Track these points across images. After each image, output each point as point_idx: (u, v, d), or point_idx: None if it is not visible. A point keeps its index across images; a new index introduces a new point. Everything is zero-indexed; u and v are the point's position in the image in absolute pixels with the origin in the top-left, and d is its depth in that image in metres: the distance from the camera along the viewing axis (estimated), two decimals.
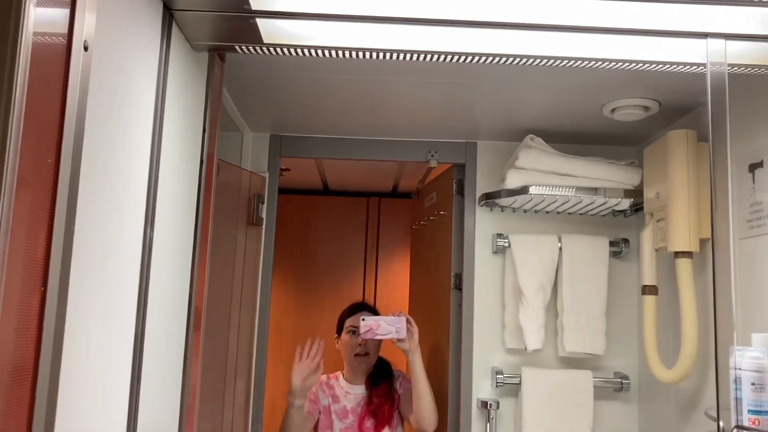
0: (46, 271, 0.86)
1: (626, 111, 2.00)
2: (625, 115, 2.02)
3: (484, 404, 2.28)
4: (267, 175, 2.42)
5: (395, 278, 3.96)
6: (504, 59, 1.48)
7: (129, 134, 1.16)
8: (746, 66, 1.49)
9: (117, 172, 1.11)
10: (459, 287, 2.44)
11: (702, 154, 1.85)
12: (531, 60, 1.48)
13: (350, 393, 2.50)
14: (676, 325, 1.88)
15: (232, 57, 1.69)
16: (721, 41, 1.40)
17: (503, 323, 2.35)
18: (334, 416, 2.46)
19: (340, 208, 4.03)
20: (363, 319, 2.29)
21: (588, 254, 2.30)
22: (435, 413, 2.32)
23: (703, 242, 1.84)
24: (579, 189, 2.15)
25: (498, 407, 2.28)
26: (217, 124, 1.61)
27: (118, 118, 1.10)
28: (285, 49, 1.47)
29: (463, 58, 1.48)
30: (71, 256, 0.91)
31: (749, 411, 1.31)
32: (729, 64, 1.43)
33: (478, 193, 2.41)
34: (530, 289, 2.25)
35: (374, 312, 2.58)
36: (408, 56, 1.49)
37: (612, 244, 2.34)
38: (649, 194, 2.03)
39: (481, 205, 2.39)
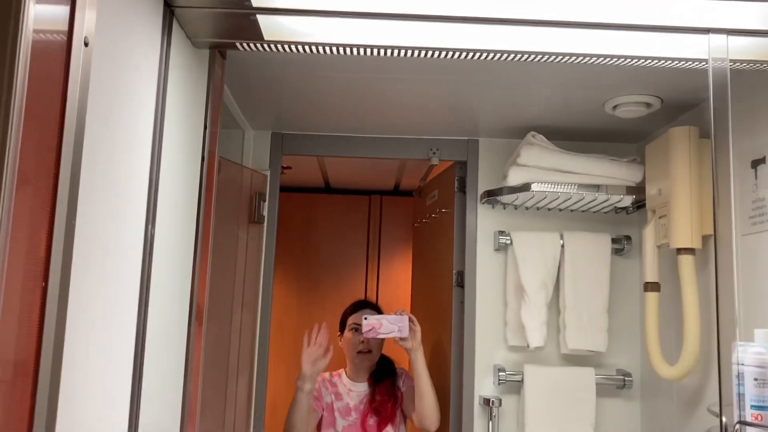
0: (46, 269, 0.86)
1: (628, 108, 2.00)
2: (627, 111, 2.02)
3: (487, 401, 2.28)
4: (268, 172, 2.42)
5: (397, 276, 3.96)
6: (505, 56, 1.48)
7: (130, 131, 1.16)
8: (748, 62, 1.49)
9: (118, 170, 1.11)
10: (461, 285, 2.44)
11: (704, 151, 1.84)
12: (532, 56, 1.48)
13: (353, 390, 2.50)
14: (678, 321, 1.88)
15: (234, 54, 1.69)
16: (723, 36, 1.40)
17: (505, 320, 2.35)
18: (337, 413, 2.46)
19: (341, 206, 4.03)
20: (365, 318, 2.29)
21: (590, 251, 2.29)
22: (437, 412, 2.33)
23: (705, 239, 1.84)
24: (581, 186, 2.14)
25: (500, 404, 2.28)
26: (218, 122, 1.61)
27: (118, 115, 1.10)
28: (286, 46, 1.47)
29: (464, 54, 1.48)
30: (72, 254, 0.91)
31: (752, 406, 1.31)
32: (731, 60, 1.42)
33: (480, 190, 2.40)
34: (532, 286, 2.25)
35: (377, 309, 2.58)
36: (409, 53, 1.49)
37: (614, 241, 2.34)
38: (651, 191, 2.03)
39: (483, 203, 2.38)
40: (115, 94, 1.08)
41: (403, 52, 1.49)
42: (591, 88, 1.91)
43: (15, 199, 0.76)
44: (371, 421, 2.43)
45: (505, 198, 2.26)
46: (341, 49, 1.48)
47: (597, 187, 2.15)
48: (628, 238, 2.37)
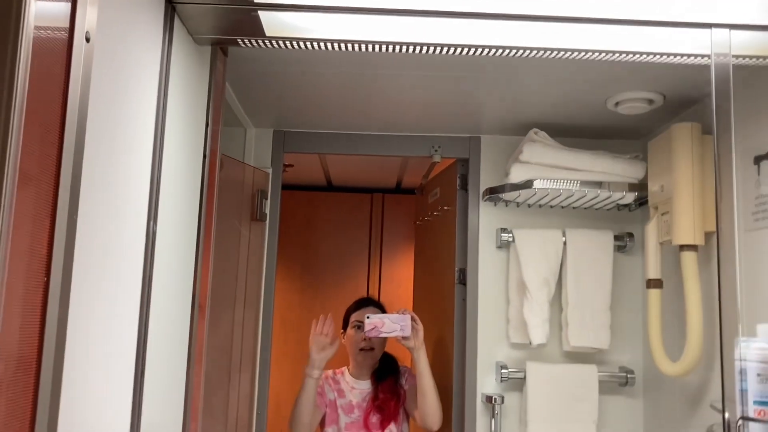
0: (48, 266, 0.86)
1: (630, 104, 1.99)
2: (629, 108, 2.02)
3: (489, 399, 2.28)
4: (270, 170, 2.42)
5: (399, 274, 3.96)
6: (507, 51, 1.48)
7: (131, 128, 1.16)
8: (751, 57, 1.49)
9: (119, 167, 1.11)
10: (463, 282, 2.44)
11: (707, 147, 1.84)
12: (534, 52, 1.48)
13: (356, 388, 2.50)
14: (681, 318, 1.88)
15: (235, 52, 1.69)
16: (725, 31, 1.39)
17: (508, 318, 2.34)
18: (340, 410, 2.46)
19: (343, 204, 4.03)
20: (368, 317, 2.30)
21: (592, 248, 2.29)
22: (439, 411, 2.33)
23: (708, 235, 1.83)
24: (583, 183, 2.14)
25: (503, 402, 2.28)
26: (220, 119, 1.61)
27: (120, 112, 1.10)
28: (288, 42, 1.47)
29: (466, 50, 1.48)
30: (73, 251, 0.91)
31: (755, 402, 1.31)
32: (734, 55, 1.42)
33: (482, 187, 2.40)
34: (534, 283, 2.25)
35: (380, 307, 2.58)
36: (410, 49, 1.49)
37: (616, 238, 2.34)
38: (653, 187, 2.03)
39: (485, 200, 2.38)
40: (116, 90, 1.08)
41: (404, 48, 1.48)
42: (593, 85, 1.91)
43: (16, 196, 0.76)
44: (374, 418, 2.43)
45: (507, 195, 2.26)
46: (343, 45, 1.48)
47: (599, 184, 2.15)
48: (630, 235, 2.37)
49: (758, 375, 1.31)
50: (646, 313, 2.03)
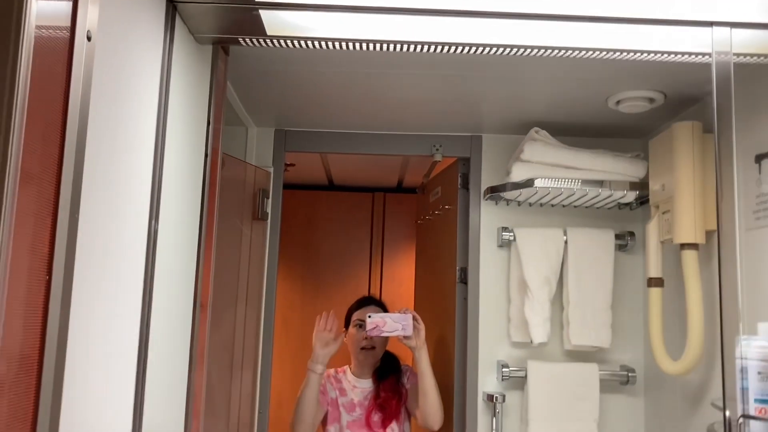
0: (50, 265, 0.86)
1: (631, 103, 1.99)
2: (630, 107, 2.02)
3: (490, 397, 2.28)
4: (272, 169, 2.42)
5: (400, 273, 3.96)
6: (509, 50, 1.48)
7: (132, 127, 1.16)
8: (752, 55, 1.48)
9: (120, 166, 1.11)
10: (464, 281, 2.44)
11: (708, 146, 1.84)
12: (535, 50, 1.48)
13: (357, 387, 2.51)
14: (682, 317, 1.88)
15: (237, 51, 1.69)
16: (726, 30, 1.39)
17: (509, 317, 2.35)
18: (341, 408, 2.46)
19: (345, 203, 4.03)
20: (369, 316, 2.30)
21: (593, 247, 2.29)
22: (441, 410, 2.33)
23: (709, 234, 1.83)
24: (584, 182, 2.14)
25: (504, 400, 2.28)
26: (221, 118, 1.61)
27: (121, 111, 1.10)
28: (289, 41, 1.47)
29: (467, 49, 1.48)
30: (75, 250, 0.92)
31: (756, 400, 1.31)
32: (735, 54, 1.42)
33: (483, 186, 2.40)
34: (535, 282, 2.25)
35: (382, 306, 2.59)
36: (411, 47, 1.49)
37: (617, 236, 2.34)
38: (654, 186, 2.03)
39: (486, 199, 2.38)
40: (117, 89, 1.08)
41: (405, 46, 1.49)
42: (594, 84, 1.90)
43: (18, 195, 0.76)
44: (375, 417, 2.44)
45: (509, 194, 2.26)
46: (344, 44, 1.48)
47: (600, 183, 2.15)
48: (631, 233, 2.37)
49: (759, 373, 1.31)
50: (647, 312, 2.03)
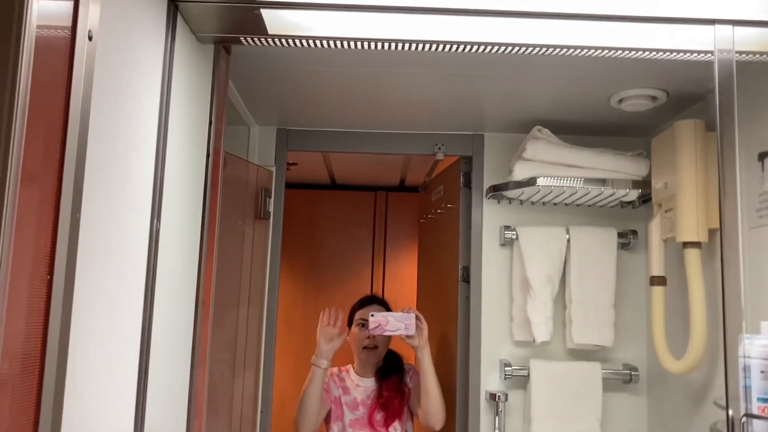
0: (51, 264, 0.86)
1: (634, 101, 1.99)
2: (632, 105, 2.01)
3: (493, 396, 2.28)
4: (274, 169, 2.42)
5: (403, 272, 3.96)
6: (511, 48, 1.47)
7: (134, 126, 1.16)
8: (755, 53, 1.48)
9: (122, 165, 1.11)
10: (467, 280, 2.44)
11: (710, 144, 1.83)
12: (537, 49, 1.48)
13: (360, 386, 2.51)
14: (684, 315, 1.88)
15: (239, 50, 1.69)
16: (728, 27, 1.39)
17: (511, 315, 2.34)
18: (344, 407, 2.47)
19: (347, 202, 4.03)
20: (372, 315, 2.30)
21: (596, 246, 2.29)
22: (443, 409, 2.33)
23: (711, 232, 1.83)
24: (587, 180, 2.14)
25: (506, 399, 2.28)
26: (223, 118, 1.61)
27: (123, 110, 1.10)
28: (290, 41, 1.47)
29: (469, 47, 1.48)
30: (77, 249, 0.92)
31: (758, 399, 1.31)
32: (737, 51, 1.41)
33: (486, 185, 2.40)
34: (538, 281, 2.25)
35: (385, 305, 2.58)
36: (414, 46, 1.49)
37: (620, 235, 2.33)
38: (657, 185, 2.02)
39: (489, 198, 2.38)
40: (119, 88, 1.08)
41: (407, 45, 1.48)
42: (596, 82, 1.90)
43: (19, 194, 0.76)
44: (378, 416, 2.44)
45: (511, 193, 2.25)
46: (345, 43, 1.48)
47: (603, 182, 2.14)
48: (634, 232, 2.37)
49: (762, 372, 1.31)
50: (650, 311, 2.03)
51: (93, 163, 0.97)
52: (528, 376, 2.26)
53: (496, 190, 2.28)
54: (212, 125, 1.56)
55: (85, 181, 0.94)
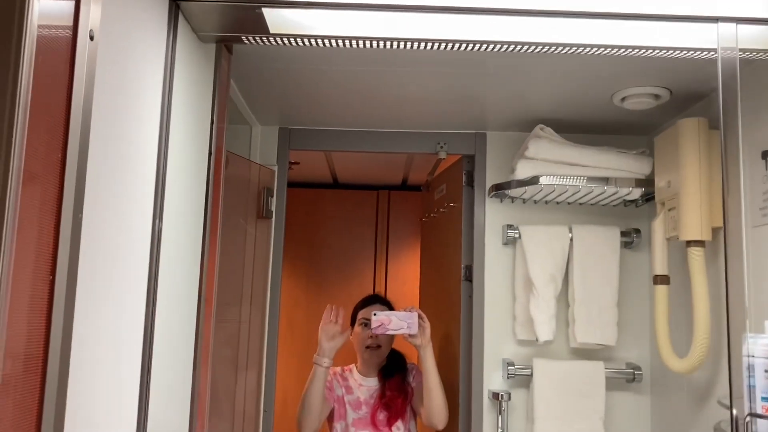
0: (54, 264, 0.86)
1: (636, 99, 1.99)
2: (635, 103, 2.01)
3: (496, 395, 2.28)
4: (276, 168, 2.42)
5: (405, 271, 3.96)
6: (514, 47, 1.47)
7: (136, 126, 1.16)
8: (758, 51, 1.47)
9: (124, 164, 1.11)
10: (469, 279, 2.43)
11: (714, 142, 1.83)
12: (540, 47, 1.47)
13: (363, 385, 2.51)
14: (688, 314, 1.87)
15: (240, 49, 1.69)
16: (732, 25, 1.38)
17: (514, 314, 2.34)
18: (348, 406, 2.47)
19: (349, 201, 4.03)
20: (375, 314, 2.30)
21: (599, 245, 2.28)
22: (445, 409, 2.33)
23: (715, 231, 1.83)
24: (590, 179, 2.13)
25: (509, 398, 2.28)
26: (225, 117, 1.61)
27: (125, 110, 1.10)
28: (292, 40, 1.47)
29: (471, 46, 1.47)
30: (79, 249, 0.92)
31: (763, 398, 1.30)
32: (740, 49, 1.41)
33: (488, 184, 2.40)
34: (541, 280, 2.24)
35: (388, 304, 2.58)
36: (416, 45, 1.49)
37: (623, 234, 2.33)
38: (660, 183, 2.02)
39: (491, 197, 2.38)
40: (120, 88, 1.08)
41: (408, 44, 1.48)
42: (599, 80, 1.90)
43: (21, 195, 0.76)
44: (381, 415, 2.44)
45: (514, 191, 2.25)
46: (347, 42, 1.47)
47: (606, 180, 2.14)
48: (637, 231, 2.36)
49: (766, 371, 1.30)
50: (653, 310, 2.03)
51: (95, 163, 0.97)
52: (531, 375, 2.25)
53: (499, 189, 2.28)
54: (214, 124, 1.56)
55: (87, 181, 0.94)
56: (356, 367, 2.57)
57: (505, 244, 2.39)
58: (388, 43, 1.48)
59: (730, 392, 1.35)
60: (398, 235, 4.03)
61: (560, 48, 1.47)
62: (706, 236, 1.82)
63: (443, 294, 2.75)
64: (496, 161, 2.42)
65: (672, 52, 1.49)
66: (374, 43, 1.48)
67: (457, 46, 1.48)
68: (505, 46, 1.47)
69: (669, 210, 1.95)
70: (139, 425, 1.19)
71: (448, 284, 2.66)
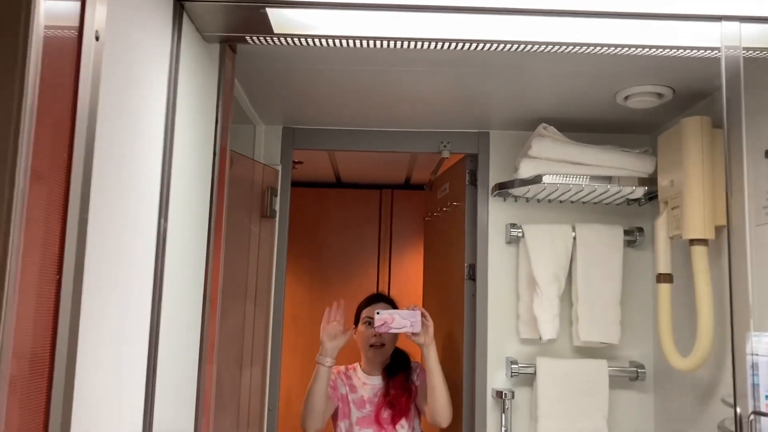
0: (60, 263, 0.86)
1: (640, 98, 1.99)
2: (638, 102, 2.01)
3: (499, 394, 2.28)
4: (280, 167, 2.43)
5: (409, 270, 3.96)
6: (516, 46, 1.47)
7: (141, 126, 1.16)
8: (762, 49, 1.47)
9: (130, 164, 1.11)
10: (473, 278, 2.44)
11: (717, 141, 1.83)
12: (543, 47, 1.47)
13: (367, 384, 2.51)
14: (691, 313, 1.87)
15: (244, 49, 1.70)
16: (735, 24, 1.39)
17: (517, 313, 2.34)
18: (351, 405, 2.47)
19: (352, 200, 4.03)
20: (378, 313, 2.30)
21: (602, 243, 2.28)
22: (449, 407, 2.33)
23: (718, 229, 1.82)
24: (593, 178, 2.13)
25: (513, 397, 2.28)
26: (229, 117, 1.61)
27: (130, 109, 1.11)
28: (296, 39, 1.48)
29: (474, 45, 1.48)
30: (85, 249, 0.92)
31: (767, 397, 1.30)
32: (744, 48, 1.41)
33: (491, 183, 2.40)
34: (544, 279, 2.24)
35: (391, 303, 2.58)
36: (419, 44, 1.49)
37: (626, 232, 2.33)
38: (663, 182, 2.02)
39: (495, 196, 2.38)
40: (126, 88, 1.09)
41: (412, 43, 1.48)
42: (602, 79, 1.90)
43: (28, 194, 0.76)
44: (385, 414, 2.44)
45: (517, 190, 2.25)
46: (351, 42, 1.48)
47: (609, 179, 2.14)
48: (640, 229, 2.36)
49: None
50: (657, 308, 2.03)
51: (101, 163, 0.97)
52: (534, 373, 2.26)
53: (502, 188, 2.28)
54: (218, 124, 1.56)
55: (93, 181, 0.94)
56: (360, 366, 2.58)
57: (509, 243, 2.39)
58: (392, 43, 1.49)
59: (733, 390, 1.35)
60: (401, 234, 4.03)
61: (563, 47, 1.47)
62: (710, 235, 1.82)
63: (446, 293, 2.75)
64: (500, 160, 2.42)
65: (675, 50, 1.49)
66: (378, 43, 1.48)
67: (460, 45, 1.48)
68: (508, 46, 1.48)
69: (672, 209, 1.95)
70: (144, 423, 1.20)
71: (452, 283, 2.66)
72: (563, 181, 2.13)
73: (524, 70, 1.85)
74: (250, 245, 2.23)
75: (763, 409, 1.30)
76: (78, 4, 0.89)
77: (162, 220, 1.25)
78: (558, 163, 2.15)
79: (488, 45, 1.47)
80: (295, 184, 2.53)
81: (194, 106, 1.43)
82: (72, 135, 0.88)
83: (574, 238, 2.29)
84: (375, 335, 2.47)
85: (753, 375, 1.33)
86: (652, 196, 2.23)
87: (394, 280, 3.98)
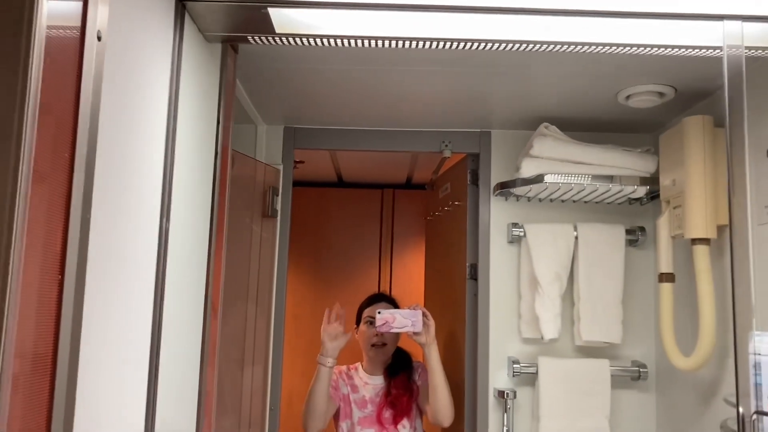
0: (62, 264, 0.86)
1: (641, 98, 1.98)
2: (640, 101, 2.01)
3: (501, 394, 2.28)
4: (281, 167, 2.43)
5: (410, 269, 3.96)
6: (518, 45, 1.47)
7: (143, 125, 1.16)
8: (764, 48, 1.47)
9: (132, 164, 1.11)
10: (474, 277, 2.44)
11: (719, 140, 1.83)
12: (545, 46, 1.47)
13: (369, 383, 2.51)
14: (693, 312, 1.87)
15: (246, 49, 1.70)
16: (737, 23, 1.38)
17: (519, 313, 2.34)
18: (353, 405, 2.47)
19: (354, 200, 4.03)
20: (379, 312, 2.30)
21: (604, 243, 2.28)
22: (451, 407, 2.33)
23: (720, 229, 1.82)
24: (594, 177, 2.13)
25: (515, 397, 2.28)
26: (231, 116, 1.61)
27: (132, 110, 1.11)
28: (297, 39, 1.48)
29: (476, 45, 1.48)
30: (87, 248, 0.92)
31: None
32: (746, 47, 1.41)
33: (493, 182, 2.40)
34: (546, 278, 2.24)
35: (393, 303, 2.58)
36: (420, 44, 1.49)
37: (628, 232, 2.33)
38: (665, 181, 2.02)
39: (496, 195, 2.38)
40: (128, 88, 1.09)
41: (413, 43, 1.48)
42: (604, 79, 1.90)
43: (30, 195, 0.76)
44: (387, 414, 2.44)
45: (518, 190, 2.25)
46: (352, 41, 1.48)
47: (610, 178, 2.14)
48: (642, 229, 2.36)
49: None
50: (659, 308, 2.03)
51: (102, 163, 0.97)
52: (536, 373, 2.25)
53: (504, 188, 2.28)
54: (220, 124, 1.56)
55: (95, 181, 0.94)
56: (362, 366, 2.58)
57: (510, 242, 2.39)
58: (394, 43, 1.48)
59: (736, 390, 1.35)
60: (403, 234, 4.03)
61: (565, 46, 1.47)
62: (712, 234, 1.81)
63: (448, 292, 2.75)
64: (501, 160, 2.42)
65: (677, 50, 1.49)
66: (380, 43, 1.48)
67: (462, 45, 1.48)
68: (510, 45, 1.47)
69: (674, 208, 1.95)
70: (146, 424, 1.20)
71: (453, 282, 2.66)
72: (565, 181, 2.12)
73: (526, 70, 1.85)
74: (252, 245, 2.23)
75: (766, 409, 1.30)
76: (80, 4, 0.89)
77: (164, 220, 1.25)
78: (560, 163, 2.15)
79: (490, 44, 1.47)
80: (297, 183, 2.53)
81: (196, 106, 1.43)
82: (74, 135, 0.88)
83: (576, 238, 2.29)
84: (376, 335, 2.47)
85: (755, 374, 1.32)
86: (653, 196, 2.23)
87: (395, 280, 3.98)
